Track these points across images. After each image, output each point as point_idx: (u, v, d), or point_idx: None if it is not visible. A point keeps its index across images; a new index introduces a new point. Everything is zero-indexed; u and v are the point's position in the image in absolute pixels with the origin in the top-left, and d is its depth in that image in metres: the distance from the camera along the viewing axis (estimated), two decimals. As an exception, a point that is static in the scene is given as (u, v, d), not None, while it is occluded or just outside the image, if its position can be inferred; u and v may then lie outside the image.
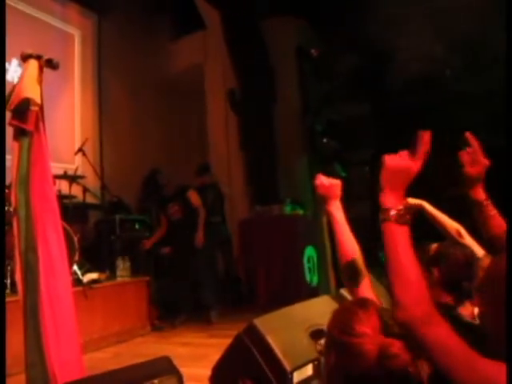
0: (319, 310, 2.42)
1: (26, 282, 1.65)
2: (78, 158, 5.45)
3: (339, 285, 4.00)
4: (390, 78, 7.13)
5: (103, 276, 4.38)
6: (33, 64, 1.82)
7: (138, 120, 6.65)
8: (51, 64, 1.90)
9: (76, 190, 5.05)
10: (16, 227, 1.70)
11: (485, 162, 1.55)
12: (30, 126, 1.75)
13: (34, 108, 1.78)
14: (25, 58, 1.85)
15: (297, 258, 5.22)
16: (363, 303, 1.19)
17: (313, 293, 4.64)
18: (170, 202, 5.04)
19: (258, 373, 2.11)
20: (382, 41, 6.72)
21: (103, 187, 5.43)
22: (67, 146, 5.63)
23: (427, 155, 1.11)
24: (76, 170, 5.12)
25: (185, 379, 2.91)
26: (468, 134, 1.54)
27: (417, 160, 1.11)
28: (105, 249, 5.00)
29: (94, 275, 4.27)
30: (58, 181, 5.01)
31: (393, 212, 1.08)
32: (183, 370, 3.32)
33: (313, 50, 7.16)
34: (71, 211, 4.75)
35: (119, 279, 4.55)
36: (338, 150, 6.66)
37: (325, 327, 2.32)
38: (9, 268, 3.45)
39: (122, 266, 4.64)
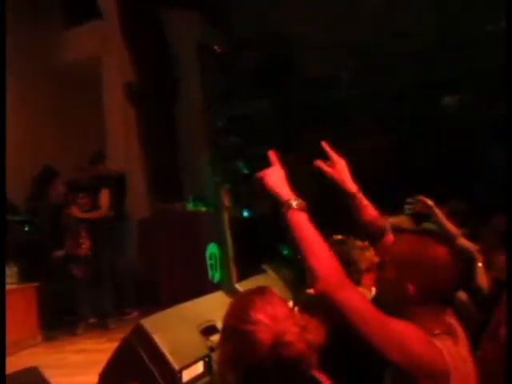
0: (211, 305, 2.41)
1: None
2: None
3: (240, 280, 4.04)
4: (289, 75, 7.37)
5: (-16, 284, 3.99)
6: None
7: (28, 111, 6.15)
8: None
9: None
10: None
11: (341, 161, 1.66)
12: None
13: None
14: None
15: (199, 256, 5.18)
16: (261, 291, 1.21)
17: (216, 290, 4.63)
18: (81, 191, 4.99)
19: (147, 375, 2.05)
20: (281, 38, 6.92)
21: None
22: None
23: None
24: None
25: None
26: (324, 144, 1.66)
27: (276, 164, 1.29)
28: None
29: (-28, 283, 3.87)
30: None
31: (294, 202, 1.20)
32: (74, 379, 3.14)
33: (216, 46, 7.16)
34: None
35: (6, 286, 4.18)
36: (241, 147, 6.72)
37: (216, 323, 2.33)
38: None
39: (9, 273, 4.27)
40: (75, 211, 4.89)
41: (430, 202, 2.65)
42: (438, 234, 2.32)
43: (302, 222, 1.18)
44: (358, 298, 1.12)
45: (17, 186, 5.47)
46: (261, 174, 1.27)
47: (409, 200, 2.80)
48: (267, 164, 1.29)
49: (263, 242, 5.81)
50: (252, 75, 7.56)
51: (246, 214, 7.66)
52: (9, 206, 5.31)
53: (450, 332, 1.21)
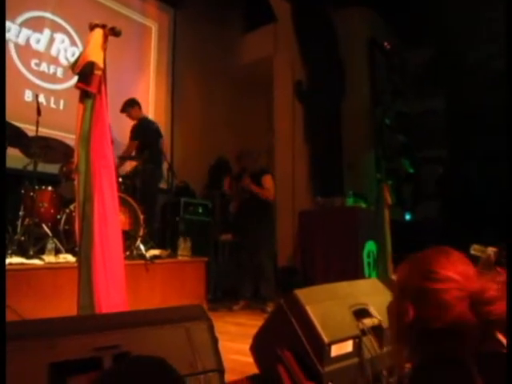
0: (365, 289, 2.37)
1: (82, 231, 1.81)
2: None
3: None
4: (467, 72, 6.76)
5: (165, 253, 4.57)
6: (98, 32, 1.98)
7: (208, 109, 6.88)
8: (114, 32, 2.04)
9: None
10: (76, 181, 1.87)
11: None
12: (93, 89, 1.90)
13: (98, 72, 1.92)
14: (92, 28, 2.01)
15: (356, 251, 5.11)
16: (444, 249, 1.05)
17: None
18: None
19: (296, 343, 2.11)
20: (458, 34, 6.39)
21: (171, 172, 5.64)
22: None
23: None
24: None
25: (231, 352, 2.98)
26: None
27: None
28: (169, 229, 5.22)
29: (156, 251, 4.47)
30: (129, 163, 5.33)
31: None
32: (231, 345, 3.39)
33: (386, 43, 6.98)
34: (141, 193, 5.01)
35: (180, 257, 4.72)
36: (407, 146, 6.43)
37: (369, 307, 2.28)
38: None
39: (183, 246, 4.81)
40: (248, 181, 4.76)
41: None
42: None
43: None
44: None
45: (197, 174, 6.16)
46: None
47: None
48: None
49: (424, 246, 5.47)
50: (423, 72, 7.14)
51: (408, 217, 7.29)
52: (188, 191, 6.02)
53: None
